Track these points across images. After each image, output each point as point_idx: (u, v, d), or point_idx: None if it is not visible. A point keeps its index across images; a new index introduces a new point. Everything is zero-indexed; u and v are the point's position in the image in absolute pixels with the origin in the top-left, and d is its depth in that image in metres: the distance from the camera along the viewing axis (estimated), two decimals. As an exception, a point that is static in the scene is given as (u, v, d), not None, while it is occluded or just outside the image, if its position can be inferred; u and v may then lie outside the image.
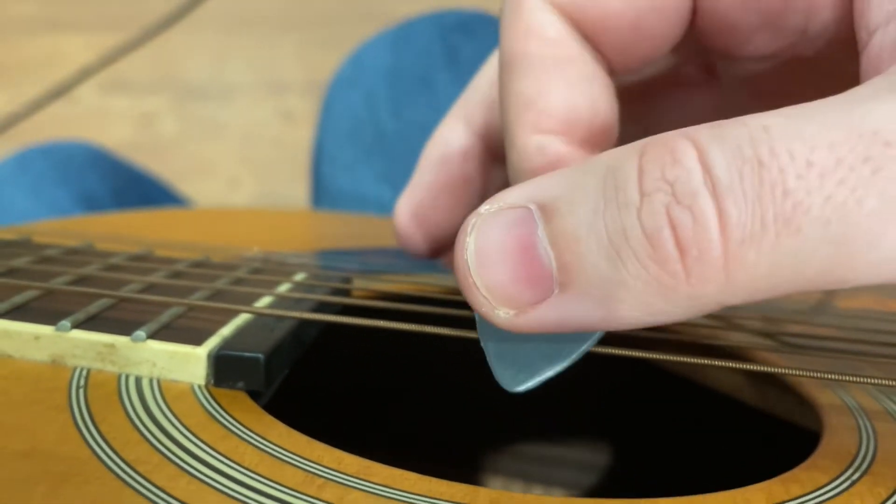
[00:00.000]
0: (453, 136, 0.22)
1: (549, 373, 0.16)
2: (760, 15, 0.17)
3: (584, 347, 0.16)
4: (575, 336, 0.16)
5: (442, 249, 0.24)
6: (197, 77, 1.37)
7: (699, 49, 0.18)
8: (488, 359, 0.16)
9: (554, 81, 0.17)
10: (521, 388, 0.16)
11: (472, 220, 0.14)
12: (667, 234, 0.13)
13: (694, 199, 0.12)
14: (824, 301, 0.31)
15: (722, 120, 0.13)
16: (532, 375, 0.16)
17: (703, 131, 0.13)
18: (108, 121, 1.32)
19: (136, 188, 0.56)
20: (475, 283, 0.14)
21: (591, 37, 0.17)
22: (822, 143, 0.12)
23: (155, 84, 1.36)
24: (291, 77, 1.36)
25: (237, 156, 1.31)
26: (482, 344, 0.17)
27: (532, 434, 0.33)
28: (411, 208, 0.23)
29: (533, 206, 0.14)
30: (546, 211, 0.14)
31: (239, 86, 1.37)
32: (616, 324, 0.14)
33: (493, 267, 0.14)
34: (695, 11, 0.17)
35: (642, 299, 0.13)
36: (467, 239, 0.14)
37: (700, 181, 0.12)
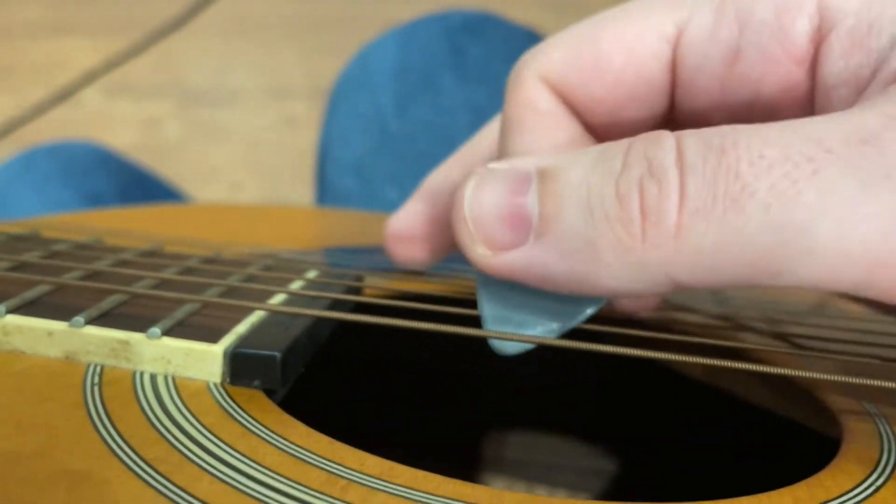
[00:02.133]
0: (451, 175, 0.25)
1: (534, 335, 0.17)
2: (727, 112, 0.19)
3: (567, 324, 0.17)
4: (562, 311, 0.17)
5: (424, 263, 0.26)
6: (201, 82, 1.38)
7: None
8: (482, 321, 0.18)
9: (540, 143, 0.20)
10: (507, 350, 0.17)
11: (482, 170, 0.17)
12: (635, 198, 0.15)
13: (664, 174, 0.15)
14: (831, 302, 0.31)
15: None
16: (518, 341, 0.17)
17: (686, 131, 0.15)
18: (113, 124, 1.32)
19: (142, 189, 0.56)
20: (466, 217, 0.16)
21: (576, 111, 0.20)
22: (776, 142, 0.14)
23: (159, 88, 1.36)
24: (295, 82, 1.37)
25: (240, 160, 1.31)
26: (479, 308, 0.18)
27: (542, 437, 0.33)
28: (397, 229, 0.25)
29: (534, 170, 0.16)
30: (544, 173, 0.16)
31: (243, 91, 1.37)
32: (574, 282, 0.16)
33: (484, 206, 0.16)
34: (672, 105, 0.20)
35: (602, 258, 0.15)
36: (471, 181, 0.17)
37: (672, 160, 0.15)
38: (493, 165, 0.17)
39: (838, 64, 0.17)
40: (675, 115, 0.20)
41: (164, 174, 0.61)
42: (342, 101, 0.54)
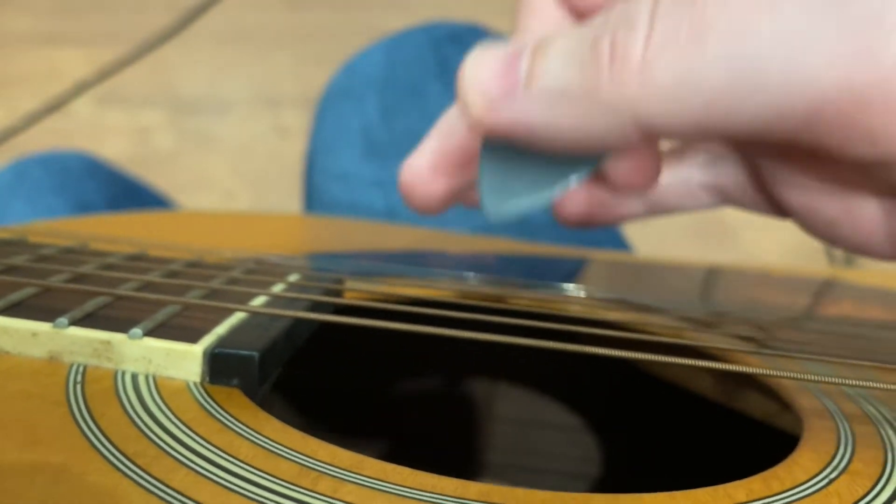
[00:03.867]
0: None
1: (525, 203, 0.19)
2: None
3: (556, 189, 0.19)
4: (551, 177, 0.19)
5: (438, 205, 0.25)
6: (192, 91, 1.38)
7: None
8: (479, 190, 0.19)
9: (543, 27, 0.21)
10: (500, 215, 0.19)
11: (485, 45, 0.18)
12: (606, 41, 0.16)
13: (636, 18, 0.16)
14: (808, 308, 0.31)
15: None
16: (511, 206, 0.19)
17: None
18: (104, 134, 1.32)
19: (133, 198, 0.56)
20: (465, 75, 0.18)
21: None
22: None
23: (151, 98, 1.37)
24: (286, 92, 1.37)
25: (232, 170, 1.32)
26: (478, 178, 0.19)
27: (516, 440, 0.34)
28: (413, 165, 0.25)
29: (531, 43, 0.17)
30: (538, 43, 0.17)
31: (234, 100, 1.38)
32: (554, 131, 0.17)
33: (482, 68, 0.18)
34: None
35: (575, 103, 0.16)
36: (475, 51, 0.18)
37: (648, 8, 0.16)
38: (500, 44, 0.18)
39: None
40: None
41: (157, 183, 0.62)
42: (329, 110, 0.55)
